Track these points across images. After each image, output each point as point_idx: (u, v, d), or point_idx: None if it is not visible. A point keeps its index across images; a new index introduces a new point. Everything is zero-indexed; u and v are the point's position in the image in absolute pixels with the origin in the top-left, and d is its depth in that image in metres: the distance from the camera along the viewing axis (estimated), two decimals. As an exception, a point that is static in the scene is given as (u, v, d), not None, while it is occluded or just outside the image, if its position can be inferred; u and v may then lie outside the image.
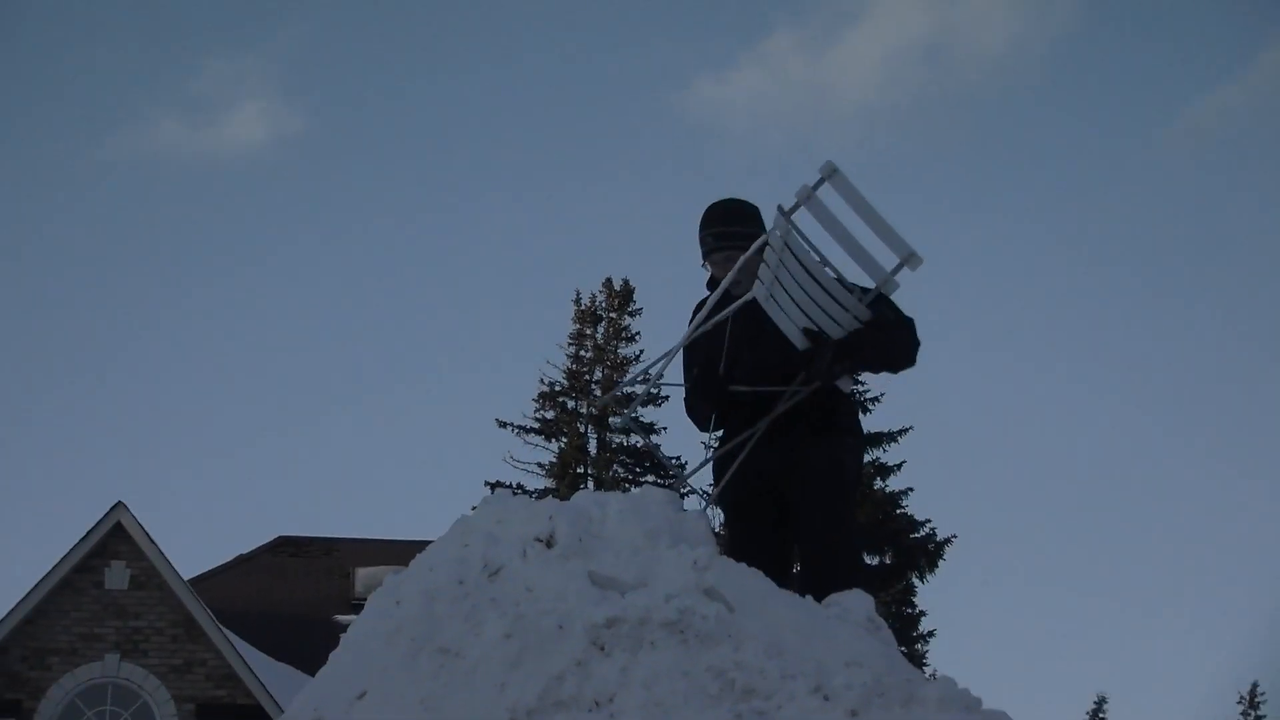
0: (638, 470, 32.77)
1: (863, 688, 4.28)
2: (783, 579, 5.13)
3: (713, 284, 5.87)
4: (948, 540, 31.55)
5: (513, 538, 4.82)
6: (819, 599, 4.82)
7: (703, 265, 5.91)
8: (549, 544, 4.76)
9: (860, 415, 5.89)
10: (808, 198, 5.27)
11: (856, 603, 4.79)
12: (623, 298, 34.33)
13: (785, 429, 5.62)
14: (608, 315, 34.32)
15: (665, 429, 30.30)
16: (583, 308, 34.48)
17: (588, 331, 34.39)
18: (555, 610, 4.56)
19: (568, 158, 49.88)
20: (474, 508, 5.16)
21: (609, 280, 34.55)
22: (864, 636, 4.62)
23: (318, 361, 50.38)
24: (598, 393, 33.02)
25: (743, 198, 5.90)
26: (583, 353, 34.24)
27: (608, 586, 4.63)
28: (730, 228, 5.80)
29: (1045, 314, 48.79)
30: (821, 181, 5.28)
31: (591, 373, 33.97)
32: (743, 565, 4.76)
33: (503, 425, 33.68)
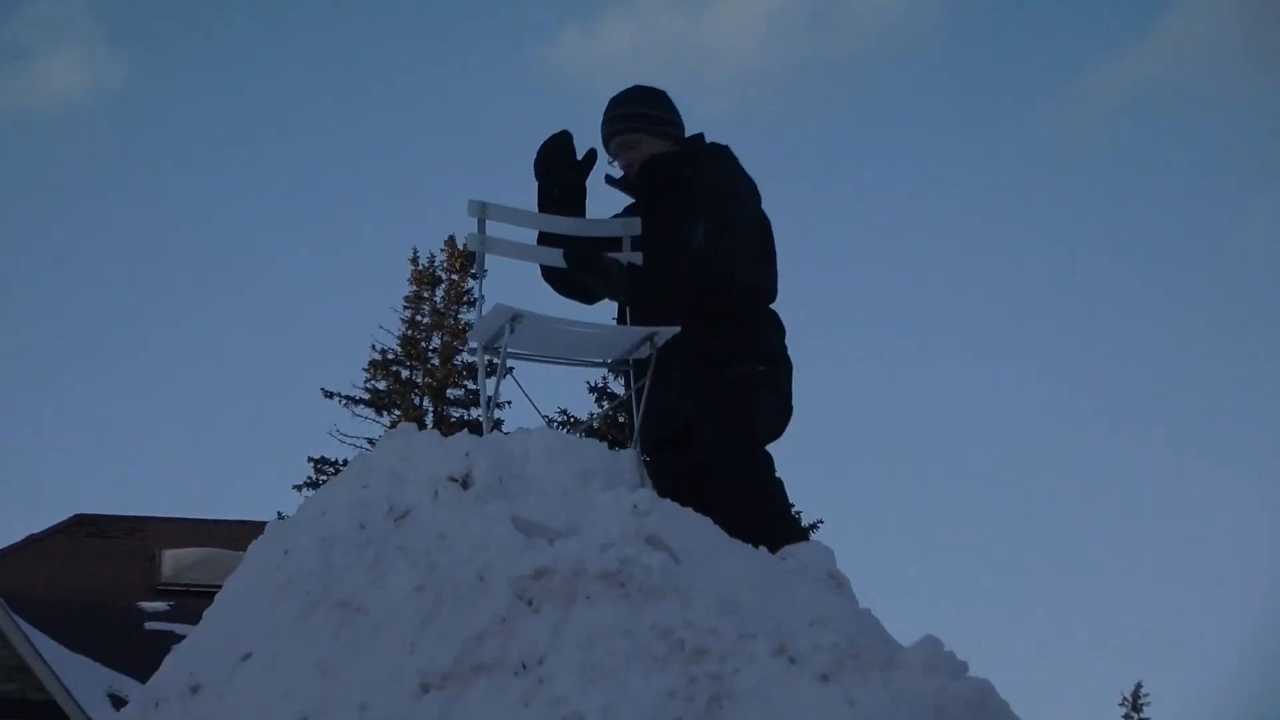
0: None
1: (833, 649, 4.06)
2: None
3: (616, 184, 5.77)
4: (814, 525, 31.68)
5: (422, 477, 4.56)
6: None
7: (609, 163, 5.77)
8: (465, 484, 4.50)
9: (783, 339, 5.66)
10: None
11: (815, 556, 4.59)
12: (465, 258, 33.90)
13: (686, 359, 5.39)
14: (449, 277, 33.88)
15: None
16: (421, 268, 33.98)
17: (425, 295, 33.90)
18: (474, 560, 4.31)
19: (412, 106, 49.12)
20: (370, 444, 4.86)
21: (451, 238, 34.08)
22: (827, 593, 4.43)
23: (124, 324, 49.22)
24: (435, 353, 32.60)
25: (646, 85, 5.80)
26: (420, 318, 33.73)
27: (534, 533, 4.39)
28: (626, 109, 5.71)
29: (941, 295, 49.07)
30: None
31: (429, 340, 33.51)
32: (689, 510, 4.52)
33: (329, 396, 33.02)
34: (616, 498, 4.45)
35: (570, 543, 4.32)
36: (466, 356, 32.30)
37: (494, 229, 5.46)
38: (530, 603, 4.21)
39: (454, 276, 33.81)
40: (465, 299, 33.49)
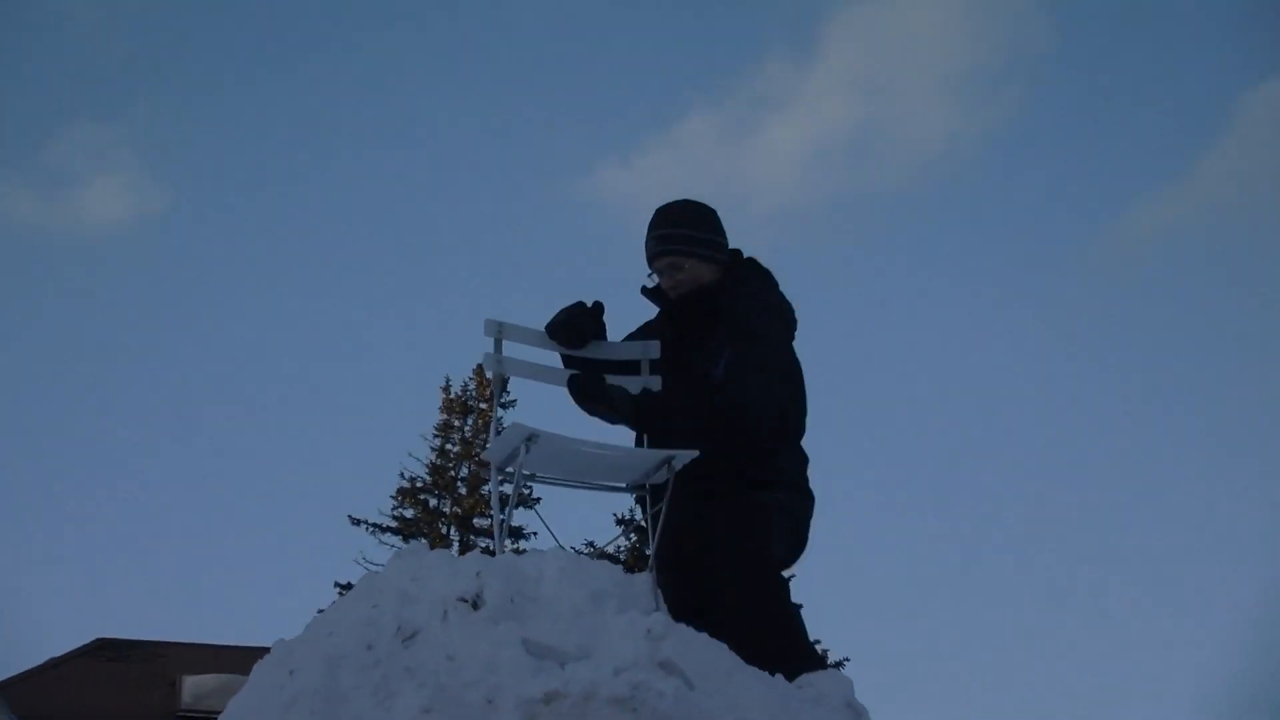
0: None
1: (850, 780, 3.94)
2: None
3: (652, 296, 5.69)
4: (840, 663, 31.32)
5: (431, 597, 4.45)
6: None
7: (649, 275, 5.67)
8: (475, 605, 4.39)
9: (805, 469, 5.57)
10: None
11: (833, 685, 4.47)
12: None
13: (704, 482, 5.29)
14: (479, 406, 33.90)
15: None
16: (452, 397, 34.04)
17: (456, 423, 33.92)
18: (483, 682, 4.20)
19: (448, 235, 49.40)
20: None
21: (481, 368, 34.11)
22: (845, 723, 4.30)
23: (154, 446, 49.22)
24: (464, 486, 32.52)
25: (693, 200, 5.70)
26: (449, 446, 33.74)
27: (545, 656, 4.27)
28: (676, 230, 5.59)
29: (977, 423, 48.76)
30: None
31: (457, 469, 33.47)
32: (704, 635, 4.42)
33: (356, 523, 33.03)
34: (630, 621, 4.34)
35: (582, 666, 4.21)
36: (493, 486, 32.22)
37: (512, 350, 5.41)
38: (539, 727, 4.11)
39: (484, 406, 33.81)
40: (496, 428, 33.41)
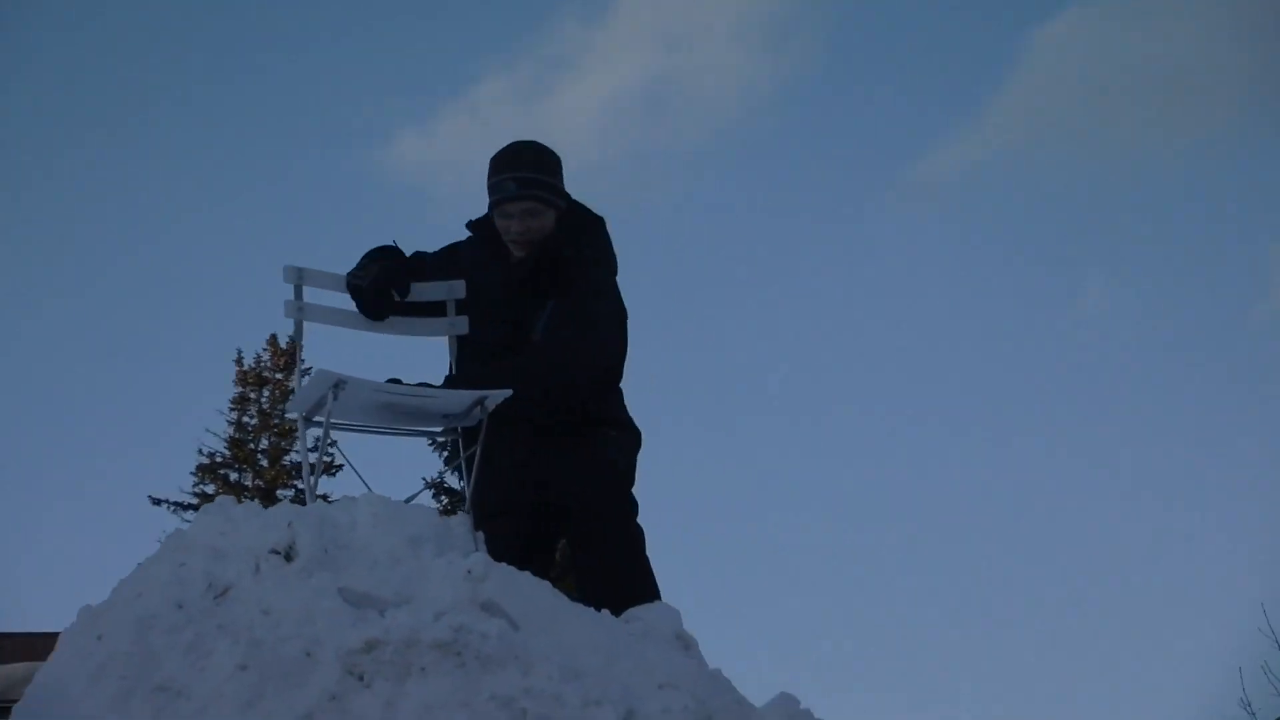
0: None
1: (684, 712, 3.90)
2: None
3: (479, 228, 5.53)
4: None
5: (242, 551, 4.31)
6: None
7: (489, 211, 5.47)
8: (288, 557, 4.27)
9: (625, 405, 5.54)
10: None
11: (661, 617, 4.41)
12: (290, 357, 33.43)
13: (530, 426, 5.27)
14: (274, 377, 33.40)
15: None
16: (245, 369, 33.48)
17: (252, 395, 33.39)
18: (300, 635, 4.08)
19: (238, 204, 48.47)
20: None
21: (274, 337, 33.62)
22: (675, 655, 4.24)
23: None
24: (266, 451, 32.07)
25: (543, 144, 5.53)
26: (246, 419, 33.21)
27: (364, 604, 4.17)
28: (539, 175, 5.40)
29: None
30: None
31: (257, 441, 32.97)
32: (526, 574, 4.33)
33: (157, 503, 32.38)
34: (449, 563, 4.24)
35: (402, 613, 4.10)
36: (295, 457, 31.87)
37: (314, 297, 5.26)
38: (361, 678, 3.99)
39: (279, 376, 33.35)
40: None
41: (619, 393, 5.52)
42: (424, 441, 5.53)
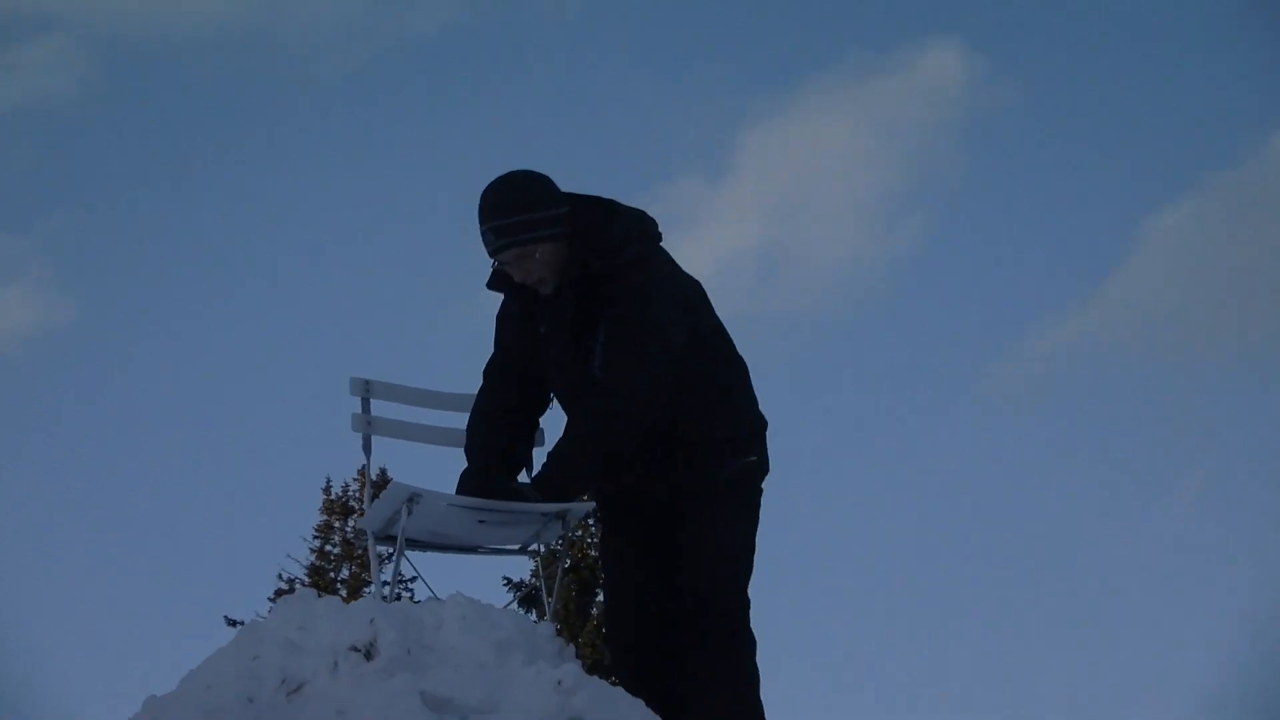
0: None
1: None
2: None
3: (502, 281, 5.07)
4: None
5: (319, 647, 4.11)
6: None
7: (493, 263, 5.05)
8: (369, 655, 4.06)
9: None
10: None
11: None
12: (377, 488, 33.35)
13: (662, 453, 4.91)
14: (361, 507, 33.41)
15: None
16: (332, 498, 33.52)
17: (336, 524, 33.39)
18: (376, 738, 3.83)
19: (318, 335, 48.93)
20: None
21: (364, 469, 33.66)
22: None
23: (35, 543, 48.14)
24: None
25: (518, 172, 5.03)
26: (329, 548, 33.18)
27: (446, 710, 3.97)
28: (511, 219, 4.89)
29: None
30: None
31: (338, 570, 32.90)
32: (619, 689, 4.10)
33: (232, 624, 32.30)
34: (538, 673, 4.02)
35: (485, 721, 3.88)
36: (371, 553, 31.69)
37: (384, 410, 5.13)
38: (439, 787, 3.75)
39: (365, 507, 33.32)
40: (376, 530, 32.96)
41: (734, 399, 5.08)
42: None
